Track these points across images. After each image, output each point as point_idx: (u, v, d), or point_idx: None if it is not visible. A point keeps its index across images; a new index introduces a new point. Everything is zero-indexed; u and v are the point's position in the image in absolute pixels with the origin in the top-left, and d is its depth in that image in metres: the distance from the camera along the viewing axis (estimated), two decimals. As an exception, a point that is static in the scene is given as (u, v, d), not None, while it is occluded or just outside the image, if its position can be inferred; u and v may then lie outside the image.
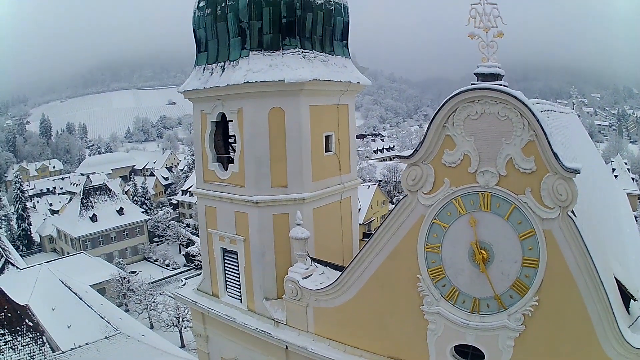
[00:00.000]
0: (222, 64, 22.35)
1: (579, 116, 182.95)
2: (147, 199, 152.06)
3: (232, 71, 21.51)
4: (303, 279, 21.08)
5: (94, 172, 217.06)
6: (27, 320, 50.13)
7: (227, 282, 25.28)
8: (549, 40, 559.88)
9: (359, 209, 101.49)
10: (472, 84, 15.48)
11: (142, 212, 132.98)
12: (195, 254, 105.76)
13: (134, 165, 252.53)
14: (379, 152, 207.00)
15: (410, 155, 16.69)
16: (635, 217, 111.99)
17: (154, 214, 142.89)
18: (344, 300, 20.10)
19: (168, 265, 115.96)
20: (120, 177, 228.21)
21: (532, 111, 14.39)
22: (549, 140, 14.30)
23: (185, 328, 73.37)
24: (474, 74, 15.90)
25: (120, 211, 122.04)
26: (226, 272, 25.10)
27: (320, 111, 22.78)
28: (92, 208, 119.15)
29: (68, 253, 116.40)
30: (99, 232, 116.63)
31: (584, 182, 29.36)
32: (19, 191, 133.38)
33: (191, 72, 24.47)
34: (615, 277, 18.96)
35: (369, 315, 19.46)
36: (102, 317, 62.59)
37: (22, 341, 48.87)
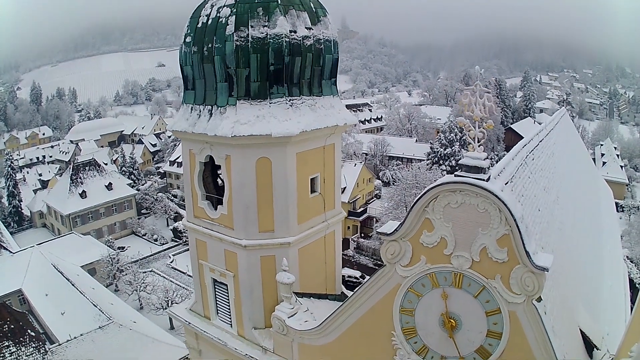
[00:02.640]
0: (209, 107, 22.37)
1: (569, 94, 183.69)
2: (135, 169, 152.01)
3: (219, 119, 21.61)
4: (289, 317, 22.02)
5: (83, 139, 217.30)
6: (29, 330, 51.27)
7: (218, 308, 26.13)
8: (542, 11, 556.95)
9: (344, 188, 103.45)
10: (455, 175, 16.02)
11: (131, 186, 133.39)
12: (182, 230, 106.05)
13: (122, 131, 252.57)
14: (366, 122, 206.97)
15: (390, 233, 17.37)
16: (622, 207, 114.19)
17: (142, 184, 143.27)
18: (326, 342, 21.01)
19: (156, 240, 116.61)
20: (109, 142, 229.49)
21: (510, 211, 14.96)
22: (523, 239, 14.93)
23: (174, 311, 74.00)
24: (458, 163, 16.46)
25: (109, 186, 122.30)
26: (217, 298, 25.91)
27: (307, 156, 23.11)
28: (82, 184, 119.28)
29: (58, 230, 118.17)
30: (88, 209, 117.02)
31: (568, 197, 30.88)
32: (9, 168, 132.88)
33: (180, 108, 24.56)
34: (580, 330, 20.90)
35: (348, 357, 20.41)
36: (94, 305, 63.64)
37: (25, 351, 50.24)
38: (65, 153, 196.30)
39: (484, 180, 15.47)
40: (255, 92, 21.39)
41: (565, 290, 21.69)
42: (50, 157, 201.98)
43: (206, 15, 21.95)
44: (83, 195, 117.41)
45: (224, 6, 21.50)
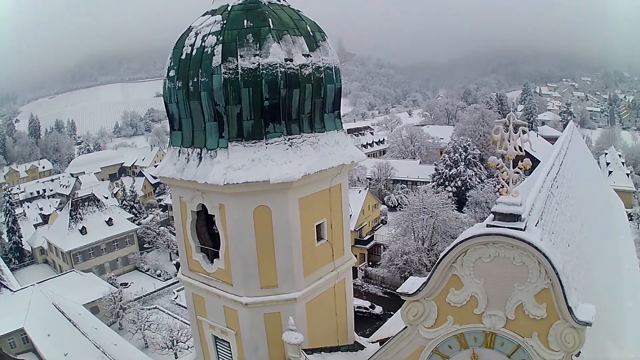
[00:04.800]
0: (198, 150, 20.07)
1: (569, 104, 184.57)
2: (137, 202, 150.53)
3: (209, 164, 19.32)
4: (298, 379, 19.75)
5: (83, 172, 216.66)
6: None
7: (221, 365, 23.78)
8: (537, 22, 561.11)
9: (350, 215, 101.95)
10: (487, 225, 14.01)
11: (132, 220, 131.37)
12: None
13: (122, 163, 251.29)
14: (368, 146, 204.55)
15: (412, 294, 15.37)
16: (630, 215, 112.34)
17: (144, 217, 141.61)
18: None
19: (159, 275, 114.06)
20: (110, 175, 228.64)
21: (552, 263, 13.10)
22: (565, 293, 13.14)
23: (180, 351, 71.95)
24: (491, 212, 14.32)
25: (109, 222, 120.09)
26: (219, 356, 23.49)
27: (311, 201, 20.74)
28: (82, 220, 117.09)
29: (60, 266, 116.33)
30: (89, 245, 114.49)
31: (589, 221, 29.21)
32: (8, 204, 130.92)
33: (167, 151, 22.43)
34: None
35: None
36: (97, 347, 63.65)
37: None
38: (66, 187, 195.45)
39: (521, 229, 13.53)
40: (249, 132, 19.09)
41: (596, 328, 20.00)
42: (51, 190, 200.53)
43: (190, 45, 19.75)
44: (83, 231, 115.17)
45: (209, 34, 19.28)
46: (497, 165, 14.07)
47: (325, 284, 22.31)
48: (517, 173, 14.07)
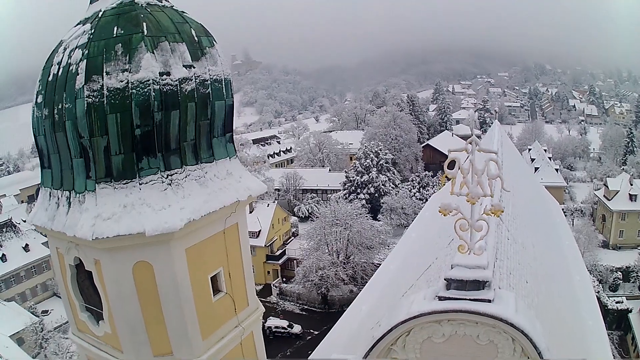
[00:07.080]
0: (67, 193, 16.09)
1: (486, 100, 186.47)
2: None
3: (78, 212, 15.35)
4: None
5: (4, 195, 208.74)
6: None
7: None
8: (448, 22, 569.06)
9: (259, 231, 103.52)
10: (440, 298, 10.55)
11: (47, 244, 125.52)
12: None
13: (39, 184, 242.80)
14: (275, 155, 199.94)
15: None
16: (564, 211, 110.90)
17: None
18: None
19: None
20: (28, 197, 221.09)
21: (534, 343, 10.01)
22: None
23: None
24: (444, 279, 10.70)
25: (26, 248, 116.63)
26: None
27: (201, 249, 16.92)
28: (1, 247, 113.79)
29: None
30: (9, 273, 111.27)
31: (538, 239, 26.42)
32: None
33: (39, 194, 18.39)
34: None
35: None
36: None
37: None
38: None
39: (489, 300, 9.92)
40: (119, 169, 15.09)
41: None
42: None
43: (57, 64, 15.61)
44: (3, 258, 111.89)
45: (76, 48, 15.17)
46: (450, 212, 10.45)
47: (229, 343, 18.57)
48: (483, 222, 10.46)
